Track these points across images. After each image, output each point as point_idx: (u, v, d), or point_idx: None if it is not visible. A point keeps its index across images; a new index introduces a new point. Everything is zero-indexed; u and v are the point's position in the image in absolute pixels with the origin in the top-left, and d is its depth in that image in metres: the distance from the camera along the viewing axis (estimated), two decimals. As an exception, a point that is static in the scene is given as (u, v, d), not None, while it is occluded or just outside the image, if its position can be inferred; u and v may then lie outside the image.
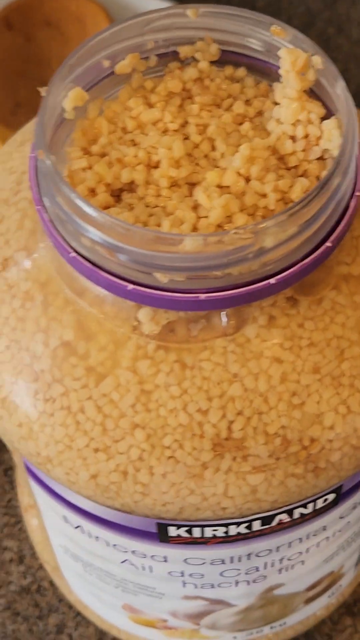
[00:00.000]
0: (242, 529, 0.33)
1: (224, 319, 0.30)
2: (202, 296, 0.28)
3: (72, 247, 0.29)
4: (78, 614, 0.46)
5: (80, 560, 0.39)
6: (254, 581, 0.37)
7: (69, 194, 0.28)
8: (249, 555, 0.35)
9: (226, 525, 0.33)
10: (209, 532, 0.33)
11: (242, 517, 0.32)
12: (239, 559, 0.35)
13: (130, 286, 0.29)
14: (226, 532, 0.33)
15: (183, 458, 0.30)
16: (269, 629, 0.43)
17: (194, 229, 0.30)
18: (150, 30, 0.32)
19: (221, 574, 0.36)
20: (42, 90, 0.31)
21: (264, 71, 0.33)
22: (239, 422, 0.30)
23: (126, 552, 0.35)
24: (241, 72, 0.33)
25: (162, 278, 0.28)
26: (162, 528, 0.33)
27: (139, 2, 0.57)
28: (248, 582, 0.37)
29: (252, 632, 0.43)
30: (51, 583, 0.47)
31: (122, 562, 0.36)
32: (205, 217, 0.30)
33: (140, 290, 0.29)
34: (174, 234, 0.28)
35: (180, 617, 0.41)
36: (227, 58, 0.33)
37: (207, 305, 0.29)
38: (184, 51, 0.33)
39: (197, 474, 0.30)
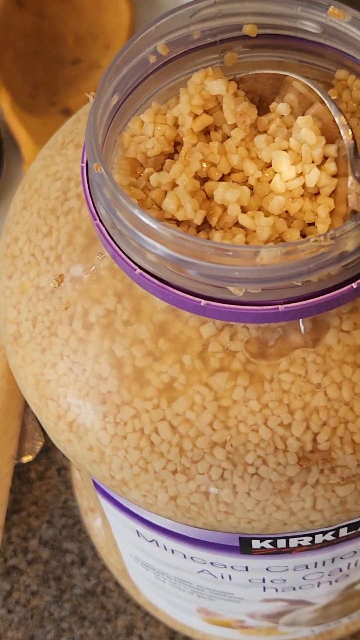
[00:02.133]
0: (329, 536, 0.31)
1: (302, 327, 0.28)
2: (282, 307, 0.27)
3: (136, 264, 0.28)
4: (147, 614, 0.45)
5: (152, 569, 0.38)
6: (336, 581, 0.36)
7: (133, 210, 0.26)
8: (333, 559, 0.34)
9: (312, 535, 0.31)
10: (294, 542, 0.32)
11: (330, 527, 0.31)
12: (323, 564, 0.34)
13: (204, 302, 0.27)
14: (312, 541, 0.32)
15: (267, 474, 0.29)
16: (346, 620, 0.42)
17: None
18: (197, 20, 0.30)
19: (304, 578, 0.35)
20: (90, 96, 0.29)
21: (319, 54, 0.31)
22: (325, 433, 0.28)
23: (204, 563, 0.34)
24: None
25: (237, 291, 0.26)
26: (245, 542, 0.31)
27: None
28: (330, 583, 0.36)
29: (330, 624, 0.42)
30: (116, 584, 0.46)
31: (199, 572, 0.35)
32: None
33: (214, 305, 0.27)
34: (249, 246, 0.27)
35: (258, 618, 0.39)
36: (277, 42, 0.31)
37: (288, 316, 0.27)
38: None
39: (284, 489, 0.29)
